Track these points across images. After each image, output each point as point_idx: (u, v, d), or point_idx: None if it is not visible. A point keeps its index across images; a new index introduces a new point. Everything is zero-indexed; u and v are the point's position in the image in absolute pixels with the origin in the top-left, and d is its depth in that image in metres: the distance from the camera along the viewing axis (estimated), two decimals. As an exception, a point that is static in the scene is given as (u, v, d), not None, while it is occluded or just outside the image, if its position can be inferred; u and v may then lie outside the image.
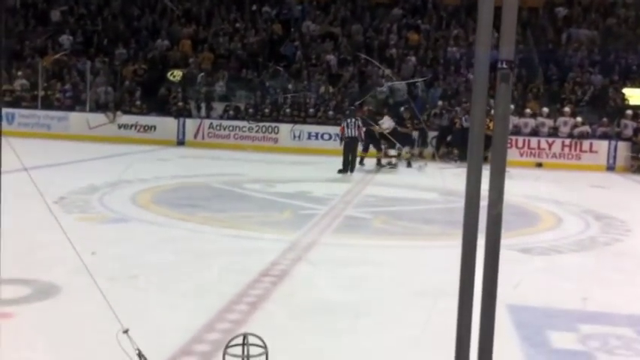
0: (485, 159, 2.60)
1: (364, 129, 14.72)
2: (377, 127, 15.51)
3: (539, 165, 18.01)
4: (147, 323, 4.35)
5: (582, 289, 5.89)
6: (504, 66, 2.57)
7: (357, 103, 16.86)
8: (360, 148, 15.05)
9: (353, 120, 14.44)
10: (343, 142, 14.41)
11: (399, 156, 16.12)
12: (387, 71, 20.12)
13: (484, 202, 2.65)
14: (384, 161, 15.87)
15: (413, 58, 21.55)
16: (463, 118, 17.64)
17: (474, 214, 2.67)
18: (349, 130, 14.28)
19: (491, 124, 2.79)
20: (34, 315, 4.64)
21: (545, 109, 18.85)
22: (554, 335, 4.68)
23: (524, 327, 4.79)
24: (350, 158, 14.28)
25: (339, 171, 14.07)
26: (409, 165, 16.28)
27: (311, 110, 19.93)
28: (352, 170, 14.28)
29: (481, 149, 2.67)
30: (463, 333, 2.73)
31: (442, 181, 11.27)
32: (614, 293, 5.95)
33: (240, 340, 3.13)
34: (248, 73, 21.88)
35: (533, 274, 6.44)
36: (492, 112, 2.75)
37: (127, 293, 5.05)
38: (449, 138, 18.37)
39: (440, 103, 19.52)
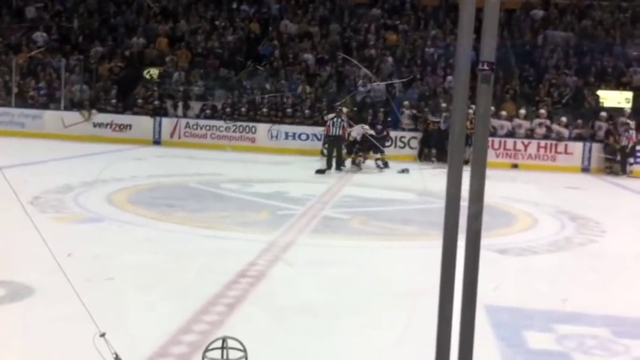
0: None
1: (348, 130, 14.82)
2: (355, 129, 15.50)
3: (515, 166, 18.13)
4: (123, 325, 4.29)
5: (558, 290, 5.94)
6: (485, 67, 2.57)
7: (337, 104, 16.84)
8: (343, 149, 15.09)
9: (339, 120, 14.53)
10: (327, 141, 14.47)
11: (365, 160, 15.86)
12: (366, 71, 20.13)
13: (464, 203, 2.64)
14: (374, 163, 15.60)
15: (390, 59, 21.59)
16: (441, 119, 17.74)
17: (454, 213, 2.66)
18: (334, 129, 14.36)
19: (468, 124, 2.79)
20: (8, 317, 4.56)
21: (523, 111, 18.98)
22: (531, 335, 4.71)
23: (501, 327, 4.81)
24: (335, 156, 14.38)
25: (317, 171, 14.09)
26: (386, 166, 16.25)
27: (288, 110, 19.87)
28: (339, 168, 14.42)
29: (462, 149, 2.66)
30: (443, 333, 2.73)
31: (422, 182, 11.31)
32: (589, 294, 6.00)
33: (219, 344, 3.09)
34: (225, 72, 21.78)
35: (509, 274, 6.47)
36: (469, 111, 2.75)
37: (103, 294, 4.98)
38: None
39: (406, 103, 19.25)
